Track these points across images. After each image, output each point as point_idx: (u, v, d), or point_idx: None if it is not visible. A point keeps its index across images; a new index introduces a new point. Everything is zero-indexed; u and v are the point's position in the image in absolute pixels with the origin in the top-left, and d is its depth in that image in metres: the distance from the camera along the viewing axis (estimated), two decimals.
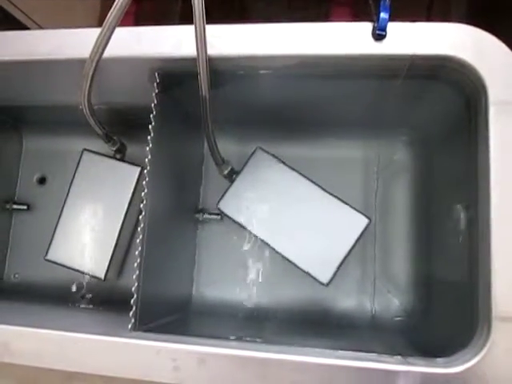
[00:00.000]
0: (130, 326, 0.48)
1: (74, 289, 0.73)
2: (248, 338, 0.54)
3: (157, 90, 0.53)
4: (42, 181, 0.80)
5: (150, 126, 0.52)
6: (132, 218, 0.71)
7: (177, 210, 0.65)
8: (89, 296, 0.72)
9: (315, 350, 0.46)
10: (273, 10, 1.07)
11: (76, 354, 0.47)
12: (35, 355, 0.48)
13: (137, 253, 0.50)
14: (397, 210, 0.69)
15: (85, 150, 0.72)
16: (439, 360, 0.44)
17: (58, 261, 0.70)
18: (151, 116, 0.52)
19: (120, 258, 0.73)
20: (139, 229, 0.51)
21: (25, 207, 0.78)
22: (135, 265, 0.50)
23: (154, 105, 0.53)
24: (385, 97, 0.58)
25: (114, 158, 0.72)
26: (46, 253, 0.70)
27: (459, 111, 0.51)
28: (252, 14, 1.09)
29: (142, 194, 0.51)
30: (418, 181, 0.68)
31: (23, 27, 0.94)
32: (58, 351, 0.48)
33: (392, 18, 0.47)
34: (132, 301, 0.49)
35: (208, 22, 0.47)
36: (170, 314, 0.61)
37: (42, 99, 0.68)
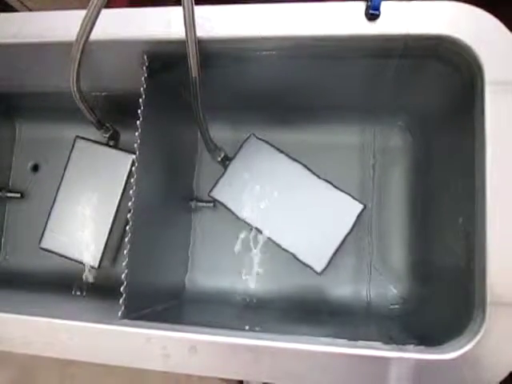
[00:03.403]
0: (119, 314, 0.48)
1: (67, 277, 0.72)
2: (247, 327, 0.53)
3: (146, 74, 0.52)
4: (35, 168, 0.79)
5: (139, 111, 0.51)
6: (126, 206, 0.70)
7: (169, 197, 0.64)
8: (82, 284, 0.71)
9: (308, 338, 0.45)
10: None
11: (65, 342, 0.47)
12: (24, 342, 0.48)
13: (126, 240, 0.50)
14: (393, 196, 0.68)
15: (78, 137, 0.71)
16: (433, 346, 0.43)
17: (52, 249, 0.69)
18: (140, 100, 0.51)
19: (114, 246, 0.72)
20: (128, 216, 0.50)
21: (18, 195, 0.78)
22: (125, 252, 0.49)
23: (143, 89, 0.52)
24: (380, 79, 0.57)
25: (107, 145, 0.71)
26: (40, 241, 0.70)
27: (456, 93, 0.50)
28: None
29: (132, 180, 0.51)
30: (414, 166, 0.67)
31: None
32: (48, 338, 0.47)
33: None
34: (122, 288, 0.49)
35: (201, 3, 0.46)
36: (162, 301, 0.61)
37: (33, 85, 0.67)
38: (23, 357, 0.88)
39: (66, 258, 0.69)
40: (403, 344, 0.44)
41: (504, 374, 0.41)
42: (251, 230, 0.69)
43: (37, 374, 0.88)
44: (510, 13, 0.46)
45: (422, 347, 0.43)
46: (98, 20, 0.44)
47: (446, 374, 0.41)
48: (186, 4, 0.42)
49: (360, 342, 0.44)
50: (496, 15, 0.45)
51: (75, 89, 0.52)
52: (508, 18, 0.46)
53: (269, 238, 0.66)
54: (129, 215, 0.51)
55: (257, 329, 0.52)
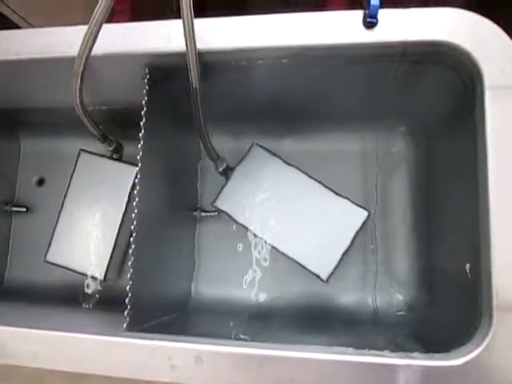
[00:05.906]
0: (124, 326, 0.48)
1: (73, 290, 0.72)
2: (248, 337, 0.53)
3: (147, 86, 0.52)
4: (40, 182, 0.80)
5: (141, 123, 0.52)
6: (131, 218, 0.70)
7: (172, 208, 0.64)
8: (88, 296, 0.71)
9: (314, 347, 0.45)
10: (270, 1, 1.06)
11: (72, 354, 0.47)
12: (31, 356, 0.48)
13: (130, 251, 0.50)
14: (397, 202, 0.68)
15: (82, 150, 0.72)
16: (440, 353, 0.43)
17: (58, 262, 0.70)
18: (142, 113, 0.52)
19: (120, 258, 0.72)
20: (132, 227, 0.50)
21: (24, 209, 0.78)
22: (129, 263, 0.50)
23: (145, 101, 0.52)
24: (380, 86, 0.57)
25: (111, 158, 0.71)
26: (45, 254, 0.70)
27: (456, 98, 0.50)
28: (250, 7, 1.07)
29: (135, 191, 0.51)
30: (417, 172, 0.67)
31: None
32: (54, 352, 0.47)
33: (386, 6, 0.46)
34: (127, 300, 0.49)
35: (201, 15, 0.47)
36: (168, 313, 0.61)
37: (37, 100, 0.68)
38: (28, 370, 0.87)
39: (72, 271, 0.69)
40: (410, 351, 0.44)
41: None
42: (256, 238, 0.69)
43: None
44: (508, 18, 0.47)
45: (429, 354, 0.43)
46: (100, 35, 0.45)
47: (453, 380, 0.41)
48: (185, 16, 0.43)
49: (367, 350, 0.44)
50: (494, 20, 0.45)
51: (78, 103, 0.53)
52: (506, 23, 0.46)
53: (273, 247, 0.66)
54: (132, 227, 0.51)
55: (262, 339, 0.51)
